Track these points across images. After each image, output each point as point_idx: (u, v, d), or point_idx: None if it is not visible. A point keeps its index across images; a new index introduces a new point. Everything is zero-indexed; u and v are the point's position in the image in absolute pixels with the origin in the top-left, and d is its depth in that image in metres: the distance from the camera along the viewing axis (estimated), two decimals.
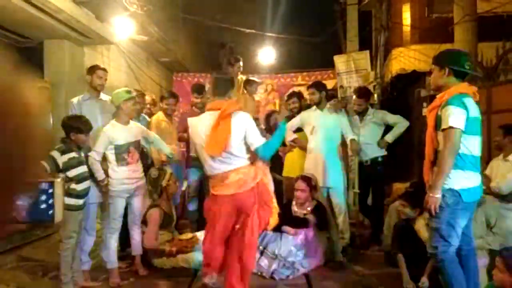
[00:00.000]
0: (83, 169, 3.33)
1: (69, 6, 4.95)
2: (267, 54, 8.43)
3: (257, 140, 2.77)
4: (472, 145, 2.61)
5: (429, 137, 2.73)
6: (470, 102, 2.61)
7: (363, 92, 4.84)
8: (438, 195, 2.55)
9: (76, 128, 3.31)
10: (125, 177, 3.61)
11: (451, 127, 2.51)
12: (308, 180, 4.08)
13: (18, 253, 4.45)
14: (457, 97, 2.57)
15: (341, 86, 7.26)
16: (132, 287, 3.65)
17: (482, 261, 3.09)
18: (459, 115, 2.52)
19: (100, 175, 3.49)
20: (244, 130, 2.76)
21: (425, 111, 4.24)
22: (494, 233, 3.31)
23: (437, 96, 2.75)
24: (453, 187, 2.57)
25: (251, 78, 5.97)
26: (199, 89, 4.94)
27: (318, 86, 4.64)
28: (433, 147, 2.69)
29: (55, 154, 3.23)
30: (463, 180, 2.58)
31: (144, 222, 4.01)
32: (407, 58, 7.88)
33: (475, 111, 2.63)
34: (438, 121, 2.64)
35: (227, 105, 2.77)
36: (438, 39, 7.44)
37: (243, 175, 2.78)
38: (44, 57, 5.67)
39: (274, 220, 2.92)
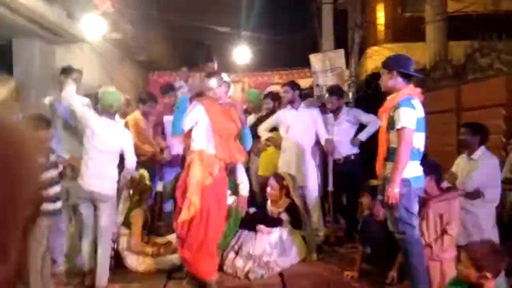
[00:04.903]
0: (50, 173, 3.23)
1: (38, 3, 4.81)
2: (243, 53, 8.41)
3: None
4: (418, 141, 2.93)
5: (382, 136, 3.07)
6: (417, 103, 2.95)
7: (334, 90, 4.92)
8: (398, 189, 2.84)
9: (33, 125, 3.19)
10: None
11: (404, 127, 2.83)
12: (280, 178, 4.12)
13: None
14: (407, 99, 2.90)
15: (317, 85, 7.28)
16: None
17: (450, 254, 3.18)
18: (411, 115, 2.84)
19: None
20: None
21: None
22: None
23: (388, 98, 3.06)
24: (404, 176, 2.87)
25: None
26: (166, 91, 4.96)
27: (291, 84, 4.71)
28: (386, 145, 3.01)
29: None
30: (411, 170, 2.90)
31: (127, 224, 3.96)
32: (381, 57, 7.99)
33: (421, 111, 2.95)
34: (391, 121, 2.95)
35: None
36: (411, 38, 7.60)
37: None
38: (13, 56, 5.51)
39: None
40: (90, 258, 3.57)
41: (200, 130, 3.31)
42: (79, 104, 3.59)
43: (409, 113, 2.84)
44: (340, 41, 8.85)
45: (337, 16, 8.81)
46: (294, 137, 4.48)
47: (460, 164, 3.71)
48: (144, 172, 4.14)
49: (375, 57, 8.19)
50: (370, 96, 8.20)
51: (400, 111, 2.85)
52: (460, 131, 3.78)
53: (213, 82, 3.38)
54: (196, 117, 3.31)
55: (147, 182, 4.12)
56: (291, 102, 4.59)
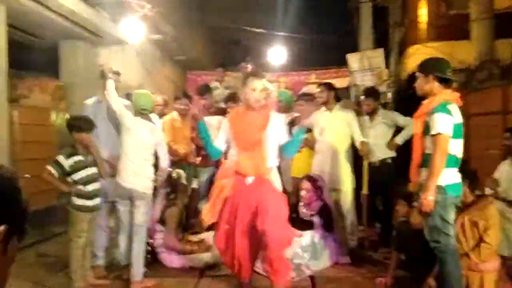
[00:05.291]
0: (90, 171, 3.41)
1: (82, 8, 5.05)
2: (279, 53, 8.39)
3: None
4: (456, 148, 2.83)
5: (417, 141, 2.97)
6: (455, 109, 2.83)
7: (370, 92, 4.79)
8: (432, 197, 2.75)
9: (77, 126, 3.37)
10: None
11: (440, 133, 2.73)
12: (313, 180, 4.10)
13: (36, 249, 4.60)
14: (443, 105, 2.80)
15: (355, 85, 7.19)
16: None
17: (491, 265, 3.05)
18: (447, 121, 2.75)
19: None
20: None
21: None
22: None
23: (424, 103, 2.96)
24: (440, 184, 2.78)
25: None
26: (203, 91, 4.99)
27: (327, 85, 4.64)
28: (421, 151, 2.91)
29: (60, 158, 3.31)
30: (448, 177, 2.81)
31: (163, 221, 4.09)
32: (424, 56, 7.71)
33: (458, 117, 2.84)
34: (426, 127, 2.85)
35: None
36: (455, 36, 7.29)
37: None
38: (60, 57, 5.82)
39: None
40: (127, 253, 3.72)
41: (228, 142, 3.31)
42: (118, 104, 3.72)
43: (445, 119, 2.75)
44: (381, 40, 8.64)
45: (378, 14, 8.61)
46: (328, 139, 4.43)
47: (503, 170, 3.56)
48: (180, 171, 4.24)
49: (417, 56, 7.93)
50: (411, 96, 7.99)
51: (435, 117, 2.76)
52: (504, 136, 3.61)
53: (256, 83, 3.15)
54: (225, 132, 3.31)
55: (184, 181, 4.22)
56: (326, 103, 4.54)
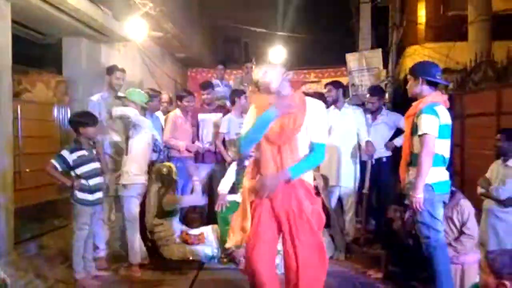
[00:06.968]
0: (93, 165, 3.50)
1: (85, 5, 5.09)
2: (279, 51, 8.47)
3: None
4: (443, 148, 2.96)
5: (406, 141, 3.10)
6: (442, 110, 2.95)
7: (375, 90, 4.87)
8: (421, 195, 2.87)
9: (83, 122, 3.47)
10: None
11: (426, 134, 2.85)
12: None
13: (38, 242, 4.68)
14: (430, 106, 2.91)
15: (353, 84, 7.28)
16: (141, 276, 3.82)
17: (472, 257, 3.21)
18: (433, 122, 2.87)
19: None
20: None
21: None
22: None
23: (413, 104, 3.08)
24: (428, 182, 2.91)
25: None
26: (206, 86, 5.09)
27: (334, 84, 4.71)
28: (409, 150, 3.03)
29: (65, 153, 3.41)
30: (434, 175, 2.93)
31: (160, 215, 4.16)
32: (422, 56, 7.80)
33: (446, 118, 2.95)
34: (414, 127, 2.96)
35: None
36: (453, 37, 7.37)
37: None
38: (63, 53, 5.87)
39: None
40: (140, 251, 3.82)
41: None
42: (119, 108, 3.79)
43: (431, 120, 2.87)
44: (381, 40, 8.72)
45: (378, 14, 8.68)
46: (336, 137, 4.47)
47: (494, 170, 3.65)
48: (172, 165, 4.30)
49: (415, 56, 8.02)
50: (407, 96, 8.07)
51: (421, 117, 2.89)
52: (495, 137, 3.71)
53: (256, 73, 2.52)
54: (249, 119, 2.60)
55: (174, 176, 4.27)
56: (335, 102, 4.59)
